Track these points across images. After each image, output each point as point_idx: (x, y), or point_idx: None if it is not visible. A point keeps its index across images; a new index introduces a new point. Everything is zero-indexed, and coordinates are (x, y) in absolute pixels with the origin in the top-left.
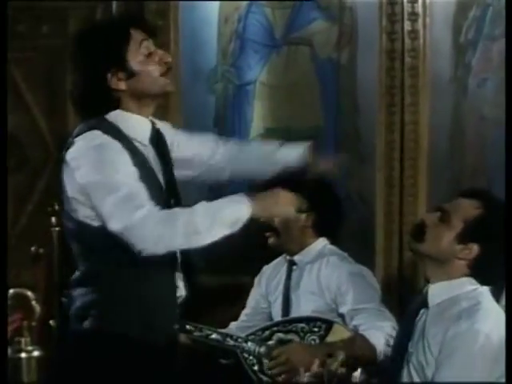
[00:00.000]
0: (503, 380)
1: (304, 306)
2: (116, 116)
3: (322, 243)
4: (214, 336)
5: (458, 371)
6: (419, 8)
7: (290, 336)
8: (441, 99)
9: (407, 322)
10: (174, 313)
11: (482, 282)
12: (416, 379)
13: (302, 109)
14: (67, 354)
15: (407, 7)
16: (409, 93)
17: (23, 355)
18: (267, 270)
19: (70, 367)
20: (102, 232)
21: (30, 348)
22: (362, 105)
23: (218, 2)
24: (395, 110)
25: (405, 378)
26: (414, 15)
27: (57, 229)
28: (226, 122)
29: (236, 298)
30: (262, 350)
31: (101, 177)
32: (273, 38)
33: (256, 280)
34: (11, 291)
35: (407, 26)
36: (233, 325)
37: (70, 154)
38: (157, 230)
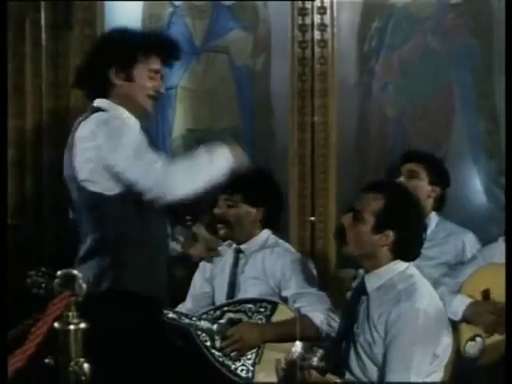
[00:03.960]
0: (442, 344)
1: (249, 291)
2: (109, 104)
3: (266, 234)
4: (170, 315)
5: (405, 349)
6: (327, 19)
7: (239, 315)
8: (347, 101)
9: (350, 308)
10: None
11: (406, 260)
12: (363, 356)
13: (220, 111)
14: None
15: (317, 18)
16: (318, 96)
17: (71, 327)
18: None
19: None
20: (117, 200)
21: (76, 321)
22: (276, 107)
23: (140, 12)
24: (306, 111)
25: (352, 356)
26: (322, 26)
27: None
28: (150, 124)
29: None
30: (214, 327)
31: (116, 143)
32: (193, 45)
33: (200, 265)
34: (59, 272)
35: (317, 35)
36: (179, 307)
37: (80, 134)
38: (175, 178)
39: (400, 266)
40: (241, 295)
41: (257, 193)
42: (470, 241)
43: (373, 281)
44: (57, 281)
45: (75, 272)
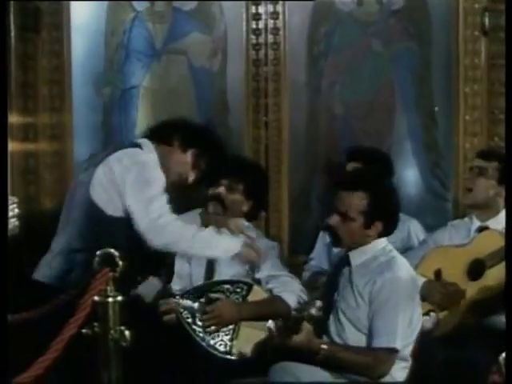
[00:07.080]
0: (416, 312)
1: (224, 272)
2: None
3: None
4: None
5: (391, 315)
6: (280, 24)
7: (217, 295)
8: (298, 100)
9: (332, 279)
10: None
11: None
12: (343, 320)
13: (180, 109)
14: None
15: (270, 23)
16: (272, 95)
17: (110, 300)
18: None
19: None
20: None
21: (114, 294)
22: (232, 105)
23: (104, 17)
24: (260, 109)
25: (331, 320)
26: (275, 30)
27: None
28: (113, 123)
29: None
30: (195, 305)
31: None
32: (153, 48)
33: None
34: (99, 252)
35: (270, 38)
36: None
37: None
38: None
39: (381, 242)
40: (216, 277)
41: (256, 188)
42: (414, 227)
43: (357, 256)
44: (96, 259)
45: (112, 251)
